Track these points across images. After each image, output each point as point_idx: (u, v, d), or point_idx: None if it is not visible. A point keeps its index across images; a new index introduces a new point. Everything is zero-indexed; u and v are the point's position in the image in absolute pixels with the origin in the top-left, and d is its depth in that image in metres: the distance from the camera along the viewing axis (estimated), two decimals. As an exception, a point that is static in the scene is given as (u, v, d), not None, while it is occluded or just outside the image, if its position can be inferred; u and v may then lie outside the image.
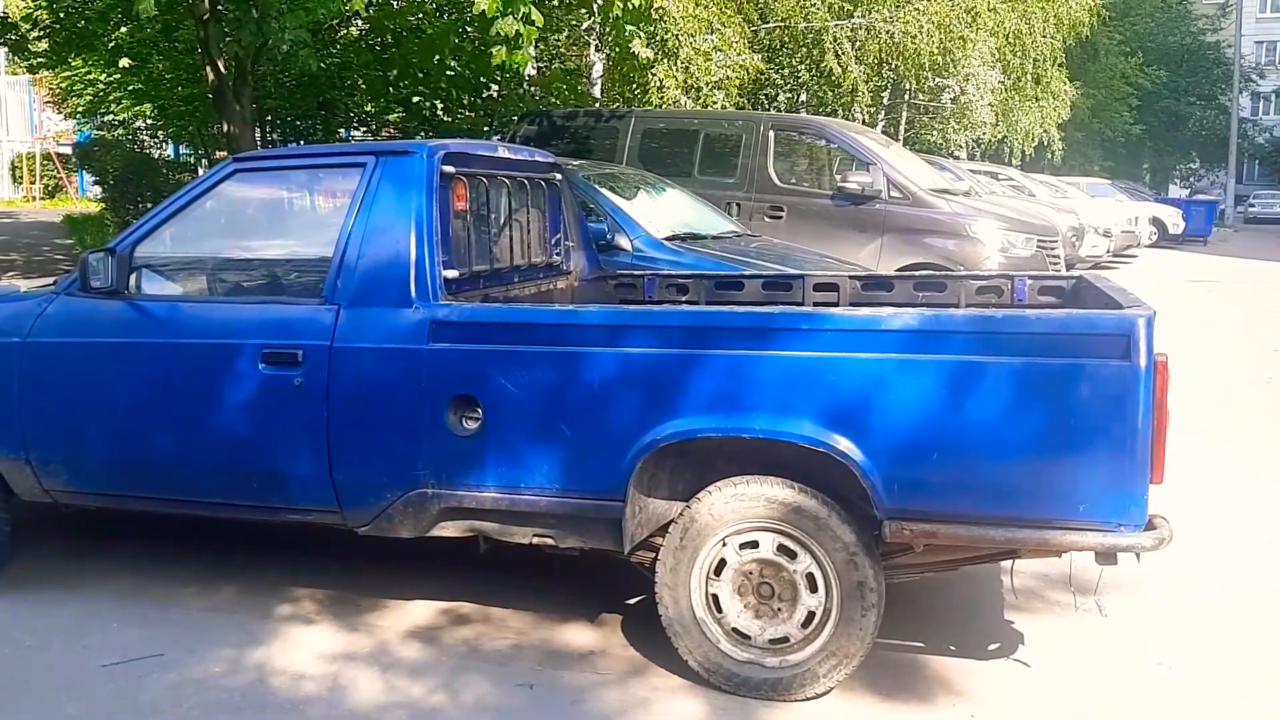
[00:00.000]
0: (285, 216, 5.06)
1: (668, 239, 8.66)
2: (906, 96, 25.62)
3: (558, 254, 5.56)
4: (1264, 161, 58.19)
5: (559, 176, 5.54)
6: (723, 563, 3.88)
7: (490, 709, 3.78)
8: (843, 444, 3.62)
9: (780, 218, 11.52)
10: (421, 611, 4.58)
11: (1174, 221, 29.47)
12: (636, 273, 5.91)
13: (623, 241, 8.56)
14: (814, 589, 3.80)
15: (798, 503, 3.76)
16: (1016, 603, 4.60)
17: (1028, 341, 3.49)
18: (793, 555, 3.81)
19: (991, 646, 4.28)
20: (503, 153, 5.13)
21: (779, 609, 3.83)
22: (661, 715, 3.75)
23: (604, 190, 9.03)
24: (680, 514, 3.92)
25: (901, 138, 24.18)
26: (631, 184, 9.70)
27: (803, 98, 23.74)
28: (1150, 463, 3.45)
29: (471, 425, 3.98)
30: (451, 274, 4.29)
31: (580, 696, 3.87)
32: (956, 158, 24.34)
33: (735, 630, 3.87)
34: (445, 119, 17.56)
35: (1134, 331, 3.41)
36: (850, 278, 5.50)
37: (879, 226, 11.15)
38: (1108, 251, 20.77)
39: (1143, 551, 3.50)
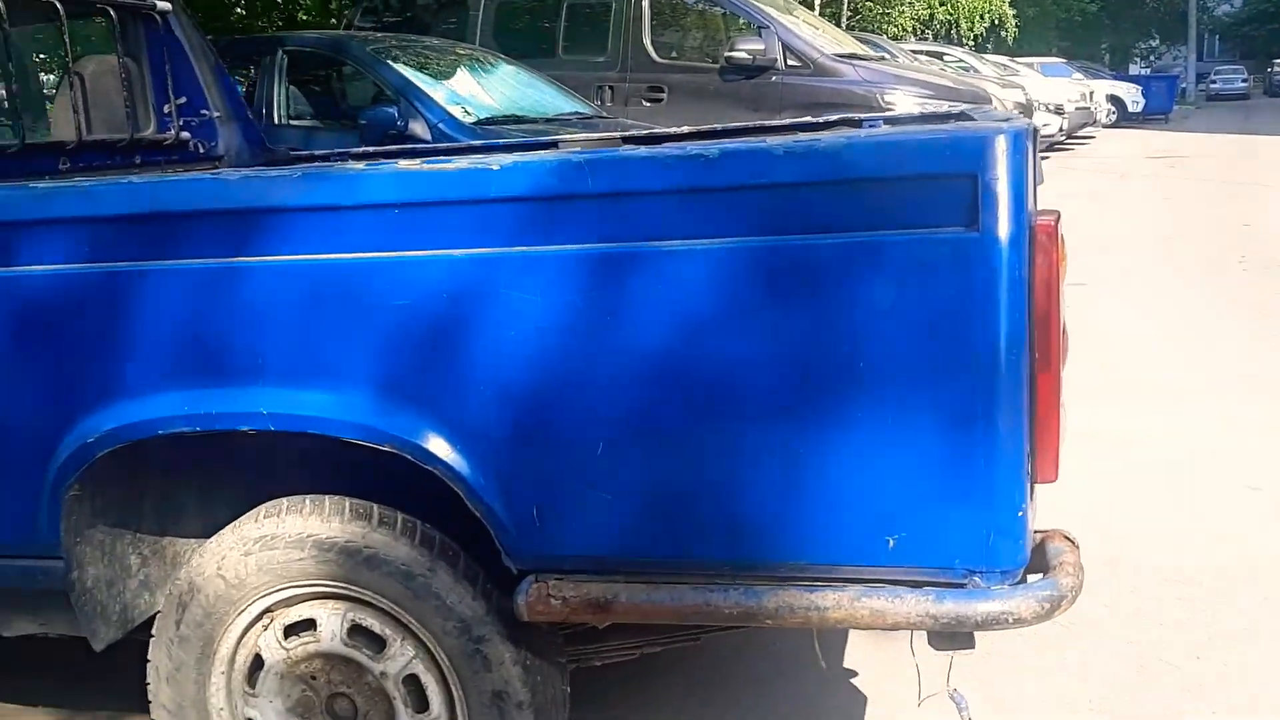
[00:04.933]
0: None
1: (480, 123, 6.75)
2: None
3: (174, 128, 3.62)
4: (1224, 36, 56.18)
5: (164, 9, 3.58)
6: (259, 660, 2.07)
7: None
8: (433, 441, 1.80)
9: (661, 100, 9.56)
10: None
11: (1133, 99, 27.53)
12: (320, 153, 3.99)
13: (418, 128, 6.64)
14: (423, 706, 1.99)
15: (371, 547, 1.93)
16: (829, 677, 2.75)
17: (766, 200, 1.66)
18: (379, 644, 2.00)
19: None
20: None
21: (371, 746, 2.04)
22: None
23: (398, 66, 7.08)
24: (176, 578, 2.10)
25: (844, 24, 22.09)
26: (446, 61, 7.73)
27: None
28: (1028, 442, 1.66)
29: None
30: None
31: None
32: (899, 39, 22.31)
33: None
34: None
35: (985, 160, 1.58)
36: (626, 139, 3.61)
37: (775, 102, 9.19)
38: (1060, 130, 18.86)
39: (1020, 624, 1.70)
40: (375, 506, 1.96)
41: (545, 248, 1.70)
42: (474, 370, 1.77)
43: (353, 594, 1.97)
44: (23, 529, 2.03)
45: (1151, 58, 53.33)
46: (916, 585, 1.71)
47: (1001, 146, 1.60)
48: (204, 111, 3.74)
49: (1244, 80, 45.85)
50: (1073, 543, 1.82)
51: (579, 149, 2.00)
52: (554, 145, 3.60)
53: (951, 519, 1.66)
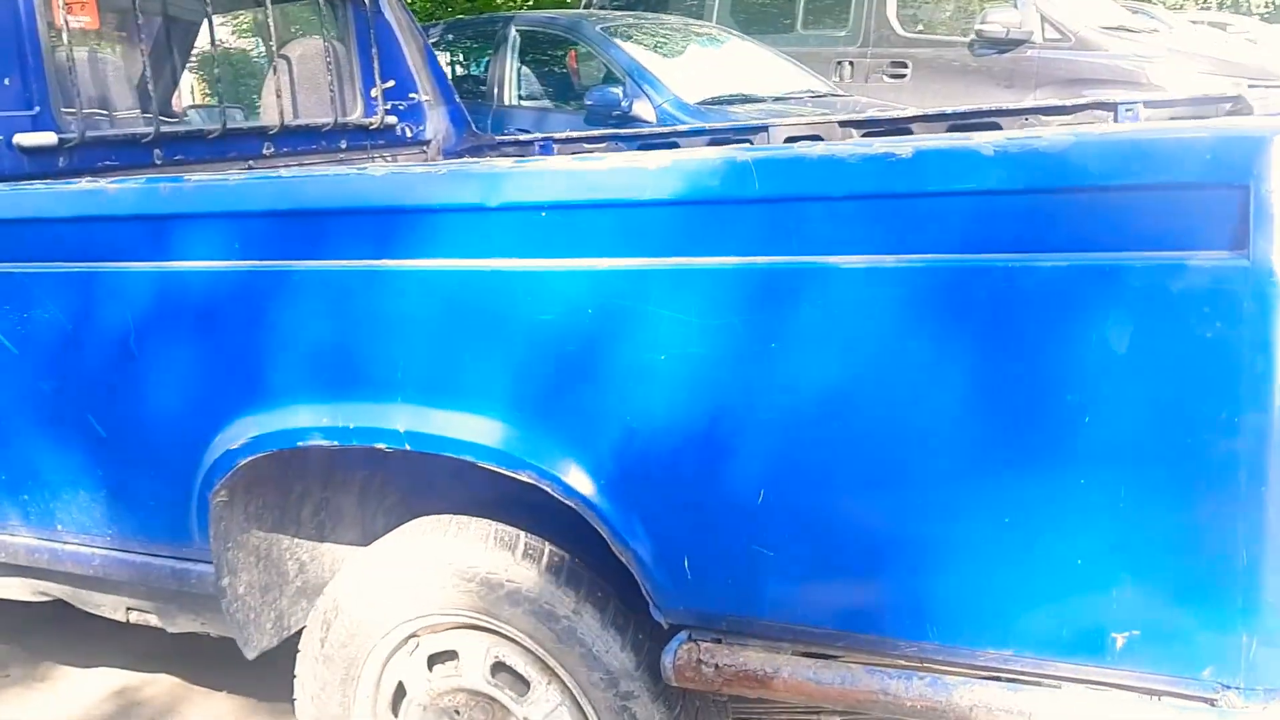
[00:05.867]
0: None
1: (705, 103, 6.53)
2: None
3: (379, 112, 3.58)
4: None
5: (375, -10, 3.54)
6: (401, 689, 1.93)
7: None
8: (573, 473, 1.60)
9: (904, 76, 9.08)
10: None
11: None
12: (524, 138, 3.86)
13: (642, 109, 6.48)
14: (567, 757, 1.81)
15: (513, 581, 1.75)
16: None
17: (971, 211, 1.34)
18: (524, 684, 1.82)
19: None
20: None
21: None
22: None
23: (627, 46, 6.95)
24: (321, 596, 1.99)
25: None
26: (679, 39, 7.56)
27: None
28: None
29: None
30: (38, 139, 2.44)
31: None
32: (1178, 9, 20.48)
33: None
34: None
35: (1260, 167, 1.22)
36: (844, 124, 3.30)
37: (1031, 79, 8.51)
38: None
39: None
40: (522, 536, 1.78)
41: (704, 260, 1.46)
42: (620, 397, 1.55)
43: (495, 628, 1.80)
44: (174, 530, 1.97)
45: None
46: (1154, 696, 1.37)
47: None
48: (412, 95, 3.69)
49: None
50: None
51: (757, 145, 1.72)
52: (765, 130, 3.35)
53: (1203, 618, 1.31)
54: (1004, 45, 8.53)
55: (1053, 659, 1.41)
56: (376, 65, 3.55)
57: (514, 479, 1.66)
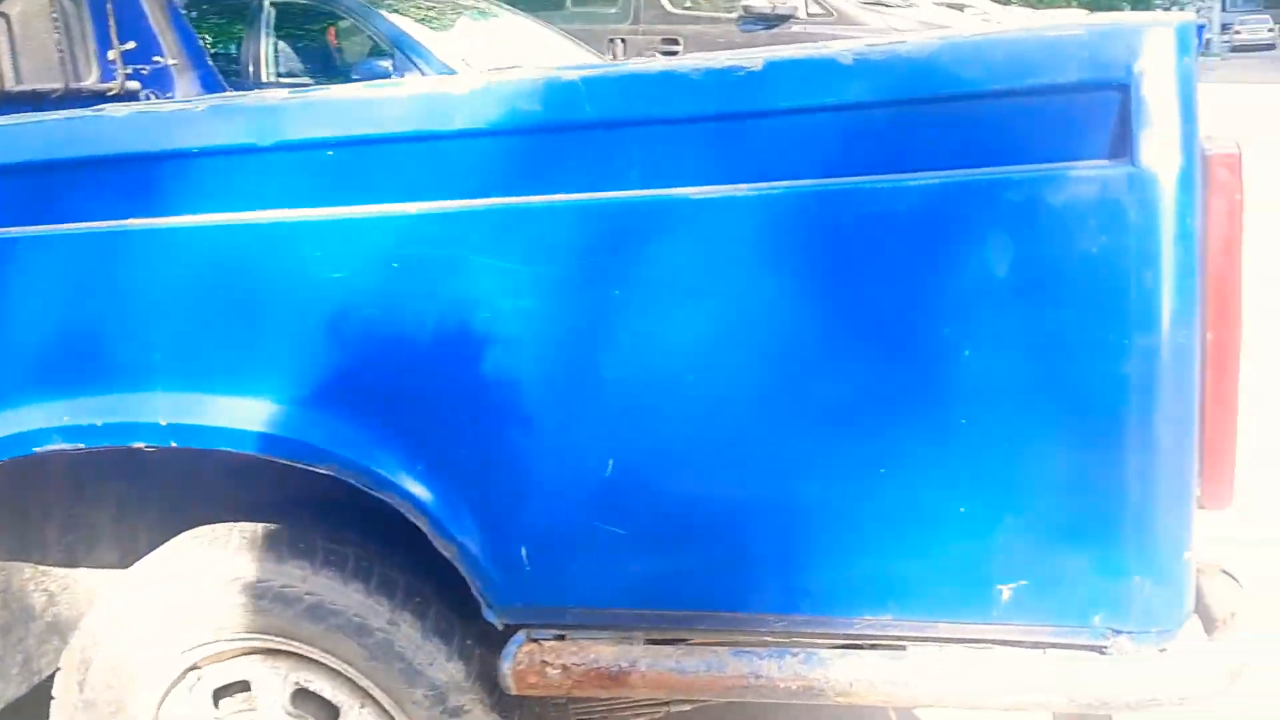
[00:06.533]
0: None
1: (479, 77, 6.26)
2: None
3: (119, 77, 3.16)
4: (1249, -16, 54.77)
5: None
6: (183, 731, 1.63)
7: None
8: (385, 460, 1.36)
9: (676, 52, 9.05)
10: None
11: (1159, 50, 26.66)
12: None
13: (414, 84, 6.15)
14: (385, 797, 1.56)
15: (314, 593, 1.49)
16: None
17: (832, 128, 1.19)
18: (331, 711, 1.57)
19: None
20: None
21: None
22: None
23: (393, 17, 6.60)
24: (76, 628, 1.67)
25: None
26: (447, 11, 7.24)
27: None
28: (1197, 457, 1.21)
29: None
30: None
31: None
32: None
33: None
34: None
35: (1141, 66, 1.12)
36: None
37: (796, 54, 8.67)
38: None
39: (1184, 704, 1.25)
40: (321, 540, 1.52)
41: (530, 199, 1.25)
42: (437, 366, 1.32)
43: (294, 650, 1.53)
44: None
45: (1174, 8, 52.25)
46: (1040, 649, 1.26)
47: (1164, 46, 1.14)
48: (156, 58, 3.29)
49: (1270, 29, 44.71)
50: (1236, 582, 1.37)
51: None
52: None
53: (1089, 560, 1.21)
54: (770, 21, 8.75)
55: (935, 619, 1.29)
56: (113, 24, 3.13)
57: (311, 473, 1.40)
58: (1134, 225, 1.14)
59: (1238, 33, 46.01)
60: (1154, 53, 1.14)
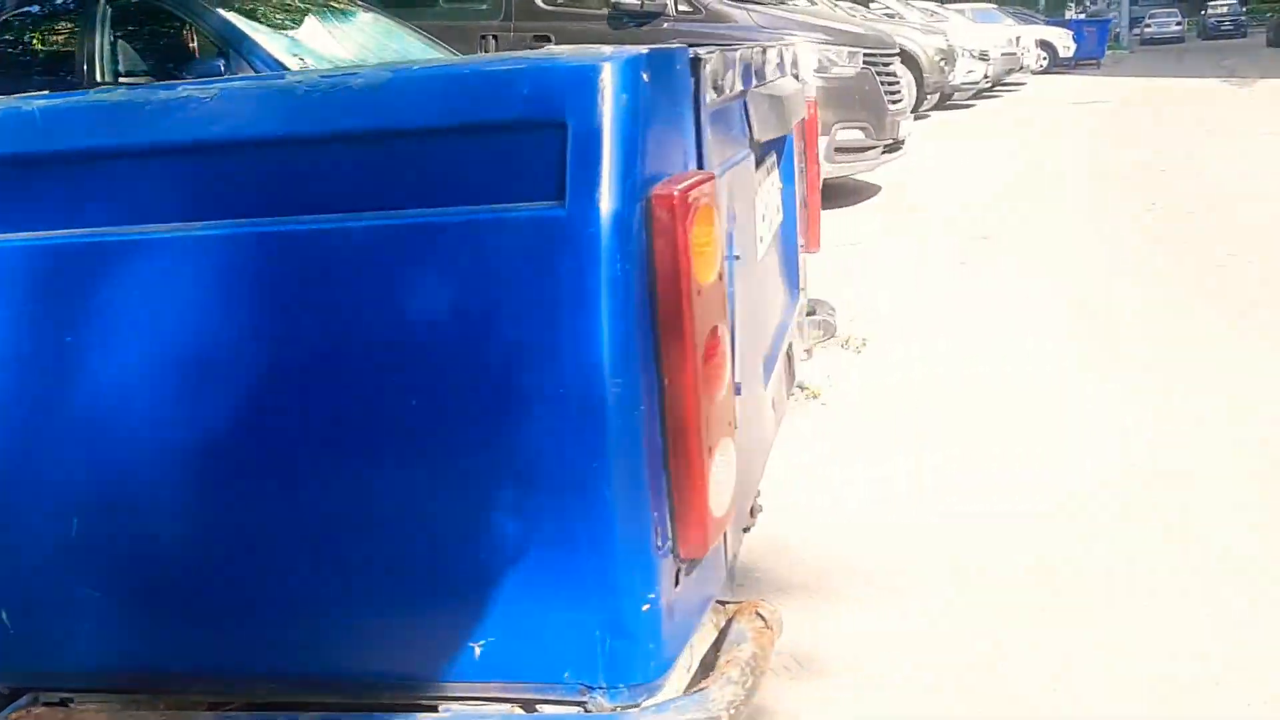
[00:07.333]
0: None
1: (317, 77, 6.11)
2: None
3: None
4: (1158, -21, 55.96)
5: None
6: None
7: None
8: None
9: (548, 50, 8.95)
10: None
11: (1064, 44, 27.10)
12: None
13: (246, 85, 5.99)
14: None
15: None
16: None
17: (252, 165, 1.13)
18: None
19: None
20: None
21: None
22: None
23: (229, 15, 6.42)
24: None
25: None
26: (293, 8, 7.07)
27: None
28: (657, 504, 1.16)
29: None
30: None
31: None
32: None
33: None
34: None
35: (578, 103, 1.08)
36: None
37: (667, 51, 8.63)
38: (985, 77, 18.35)
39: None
40: None
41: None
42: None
43: None
44: None
45: (1086, 3, 53.26)
46: (525, 707, 1.21)
47: (604, 82, 1.09)
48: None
49: (1178, 23, 45.76)
50: (766, 622, 1.34)
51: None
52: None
53: (551, 616, 1.16)
54: (640, 18, 8.73)
55: (429, 681, 1.23)
56: None
57: None
58: (567, 271, 1.09)
59: (1147, 26, 47.00)
60: (591, 90, 1.09)
